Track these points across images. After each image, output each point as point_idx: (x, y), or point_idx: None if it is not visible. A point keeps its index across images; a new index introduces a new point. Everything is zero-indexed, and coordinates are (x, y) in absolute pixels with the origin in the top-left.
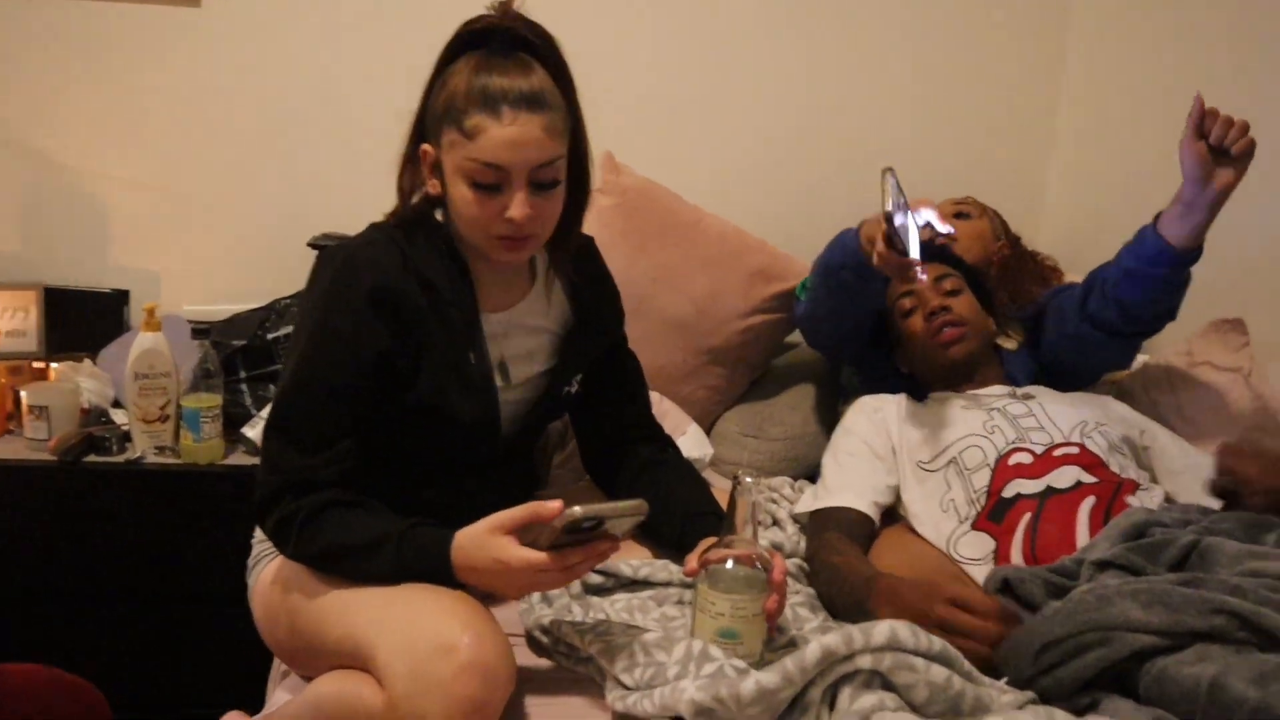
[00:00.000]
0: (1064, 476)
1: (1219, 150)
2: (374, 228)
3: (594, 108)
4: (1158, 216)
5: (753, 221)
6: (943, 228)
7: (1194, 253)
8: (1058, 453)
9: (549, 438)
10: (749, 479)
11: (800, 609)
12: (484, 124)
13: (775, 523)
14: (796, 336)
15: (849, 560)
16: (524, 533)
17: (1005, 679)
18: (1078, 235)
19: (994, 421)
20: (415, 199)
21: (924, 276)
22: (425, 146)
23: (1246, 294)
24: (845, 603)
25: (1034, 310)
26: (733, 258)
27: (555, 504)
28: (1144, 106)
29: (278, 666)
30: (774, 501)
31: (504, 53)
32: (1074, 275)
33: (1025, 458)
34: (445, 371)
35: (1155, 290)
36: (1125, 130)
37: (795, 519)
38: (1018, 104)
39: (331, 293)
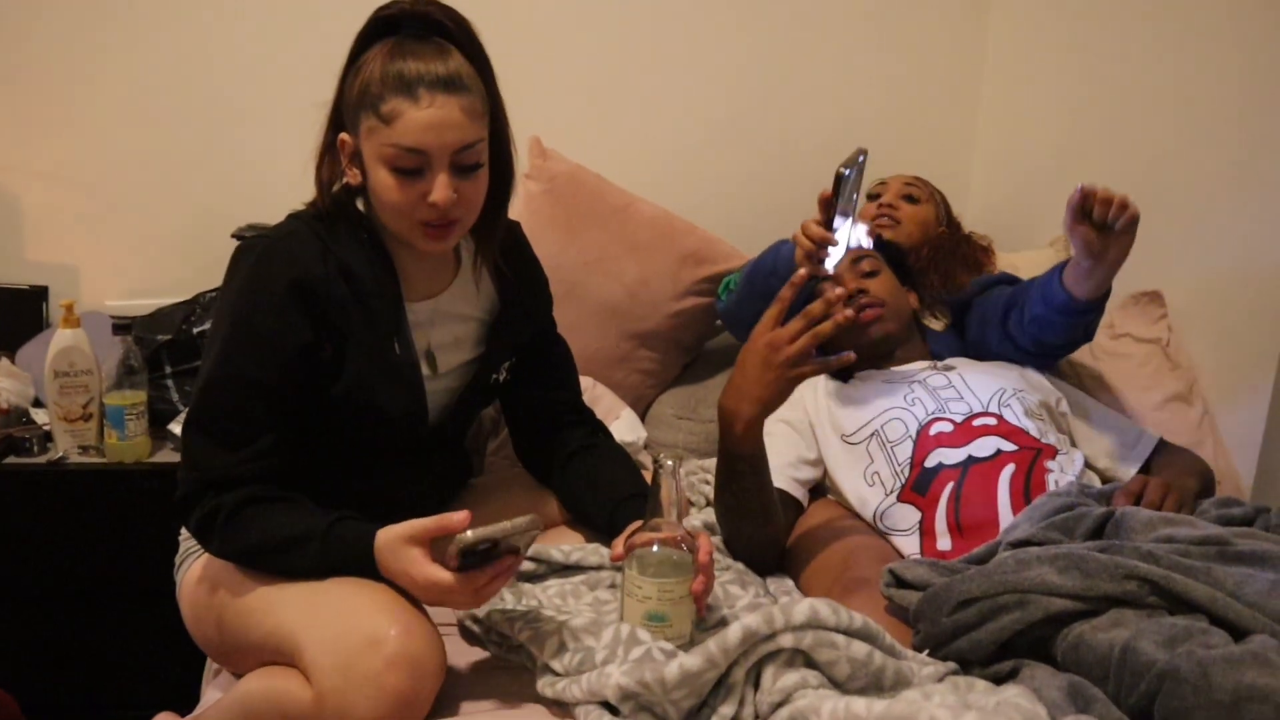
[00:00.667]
0: (984, 446)
1: (1104, 227)
2: (293, 218)
3: (521, 93)
4: (1064, 265)
5: (682, 205)
6: (865, 242)
7: (1101, 299)
8: (977, 423)
9: (483, 426)
10: (670, 461)
11: (731, 586)
12: (401, 108)
13: (709, 503)
14: None
15: None
16: (435, 545)
17: (919, 634)
18: (1003, 211)
19: (914, 394)
20: (335, 189)
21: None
22: (343, 136)
23: (1164, 267)
24: (723, 470)
25: (962, 299)
26: (663, 242)
27: (462, 514)
28: (1064, 80)
29: (210, 665)
30: (706, 483)
31: (418, 37)
32: (1004, 254)
33: (946, 427)
34: (369, 362)
35: (1065, 330)
36: (1046, 105)
37: None
38: (942, 88)
39: (250, 286)
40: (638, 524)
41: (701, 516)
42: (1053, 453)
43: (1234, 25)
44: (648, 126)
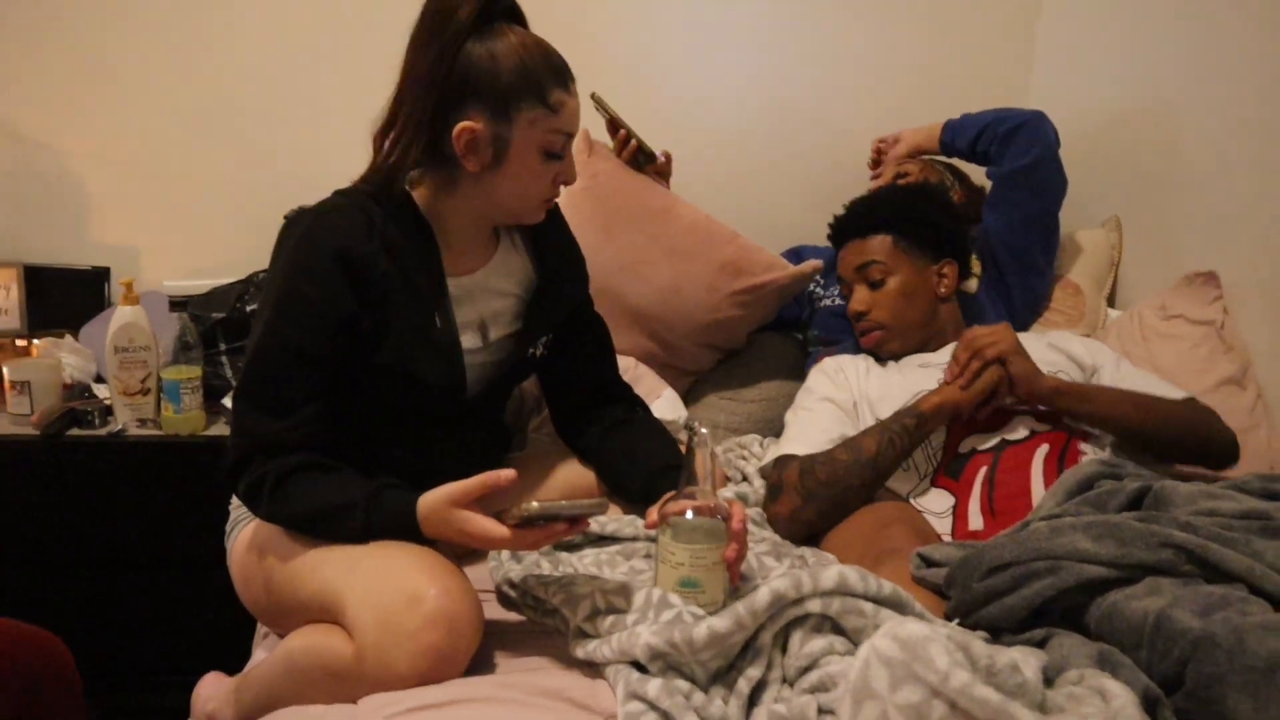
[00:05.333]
0: (1018, 428)
1: None
2: (339, 194)
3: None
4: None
5: (727, 208)
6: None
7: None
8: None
9: (525, 402)
10: (704, 430)
11: (766, 558)
12: (563, 97)
13: (744, 478)
14: None
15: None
16: (487, 503)
17: (952, 601)
18: None
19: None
20: (396, 168)
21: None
22: (469, 124)
23: (1220, 248)
24: (913, 429)
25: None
26: (701, 248)
27: (509, 473)
28: (1118, 55)
29: (260, 628)
30: (743, 458)
31: (520, 21)
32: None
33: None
34: (411, 335)
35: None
36: (1100, 83)
37: (761, 473)
38: (992, 67)
39: (297, 257)
40: (673, 493)
41: (739, 489)
42: (1086, 435)
43: None
44: (699, 129)
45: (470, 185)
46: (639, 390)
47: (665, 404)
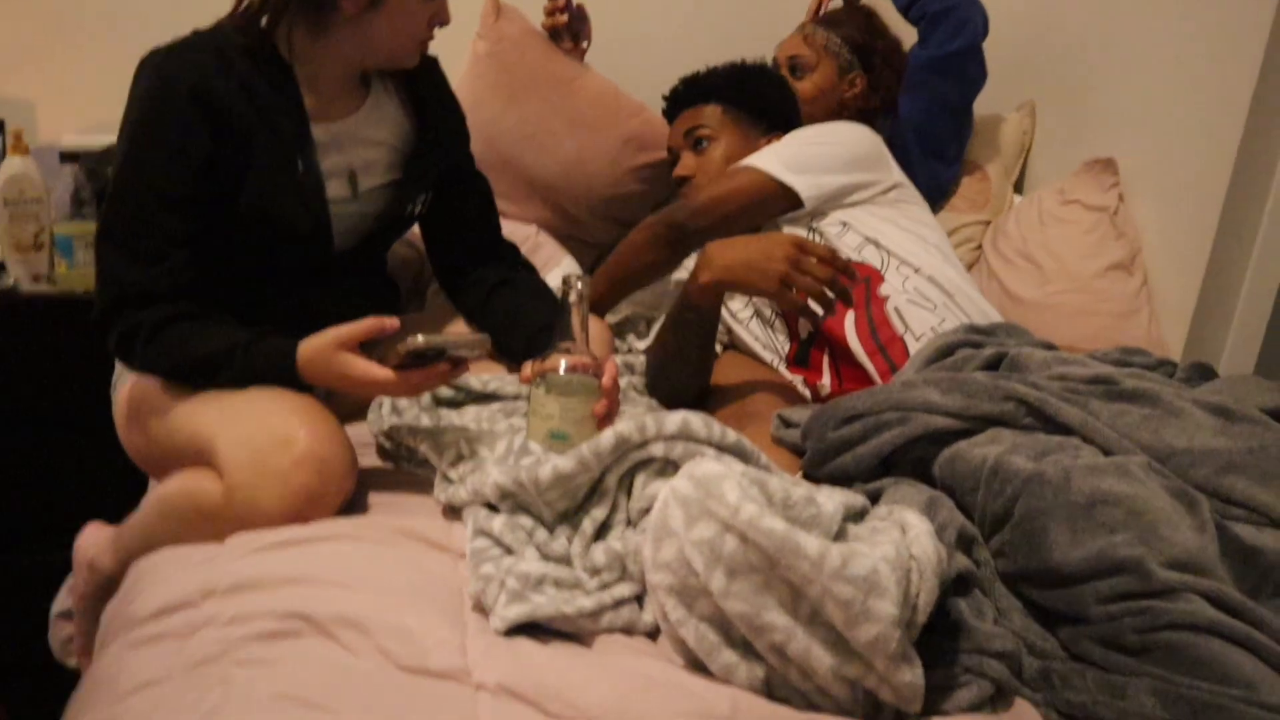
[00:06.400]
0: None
1: None
2: (195, 33)
3: None
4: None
5: (644, 85)
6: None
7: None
8: None
9: (426, 265)
10: (580, 284)
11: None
12: None
13: (629, 350)
14: None
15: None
16: (369, 347)
17: (807, 454)
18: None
19: None
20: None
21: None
22: None
23: (1123, 135)
24: (675, 326)
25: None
26: (606, 120)
27: (394, 320)
28: None
29: (151, 482)
30: (636, 333)
31: None
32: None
33: None
34: (272, 178)
35: None
36: None
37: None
38: None
39: (151, 96)
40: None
41: (622, 358)
42: (879, 279)
43: None
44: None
45: (344, 27)
46: (538, 257)
47: (563, 271)
